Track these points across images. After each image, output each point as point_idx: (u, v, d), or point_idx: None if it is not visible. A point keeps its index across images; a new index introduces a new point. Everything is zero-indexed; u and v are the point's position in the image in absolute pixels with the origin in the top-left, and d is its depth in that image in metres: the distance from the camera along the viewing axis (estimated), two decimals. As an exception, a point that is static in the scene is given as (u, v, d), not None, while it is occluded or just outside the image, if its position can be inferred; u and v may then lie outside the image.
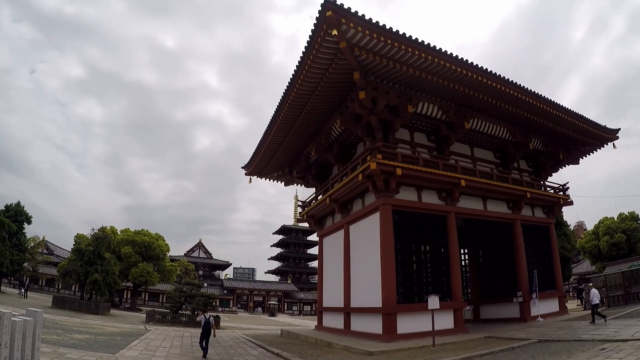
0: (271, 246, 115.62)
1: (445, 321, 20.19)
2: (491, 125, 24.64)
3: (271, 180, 31.81)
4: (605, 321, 19.05)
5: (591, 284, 23.09)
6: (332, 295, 25.78)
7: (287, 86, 19.93)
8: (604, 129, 26.86)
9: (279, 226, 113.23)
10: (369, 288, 20.63)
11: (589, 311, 30.13)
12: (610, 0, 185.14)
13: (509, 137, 25.90)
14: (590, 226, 62.69)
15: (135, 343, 18.66)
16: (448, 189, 22.32)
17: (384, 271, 19.40)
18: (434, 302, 17.39)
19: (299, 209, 29.91)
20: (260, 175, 30.71)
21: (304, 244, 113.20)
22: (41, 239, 60.15)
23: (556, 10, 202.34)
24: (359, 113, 20.68)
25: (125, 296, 66.50)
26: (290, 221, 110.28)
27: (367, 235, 21.62)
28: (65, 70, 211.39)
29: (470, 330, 20.98)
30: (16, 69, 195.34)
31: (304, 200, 29.64)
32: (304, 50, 17.64)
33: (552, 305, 26.39)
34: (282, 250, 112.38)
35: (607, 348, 12.83)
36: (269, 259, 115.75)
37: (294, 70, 18.81)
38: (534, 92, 21.50)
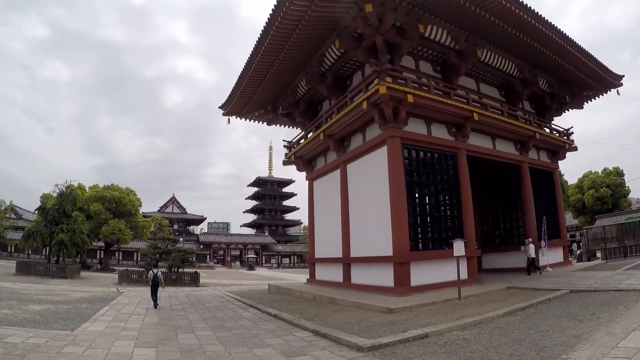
0: (246, 199, 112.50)
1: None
2: (500, 58, 21.28)
3: (252, 121, 27.59)
4: (540, 273, 20.30)
5: (530, 239, 21.31)
6: (326, 245, 22.47)
7: (274, 7, 15.96)
8: (610, 72, 24.00)
9: (253, 179, 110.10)
10: (374, 235, 17.56)
11: (590, 262, 28.61)
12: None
13: (516, 74, 22.75)
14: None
15: (104, 311, 14.90)
16: (459, 123, 19.16)
17: (394, 214, 16.21)
18: (459, 247, 14.39)
19: (285, 150, 26.06)
20: (240, 114, 26.58)
21: (279, 196, 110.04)
22: (8, 204, 55.47)
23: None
24: (362, 32, 17.04)
25: (98, 256, 61.80)
26: (264, 174, 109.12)
27: (370, 174, 18.35)
28: (29, 31, 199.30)
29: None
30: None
31: (289, 140, 25.72)
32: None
33: (557, 255, 24.16)
34: (257, 203, 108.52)
35: (660, 299, 11.24)
36: (244, 212, 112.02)
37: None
38: (550, 22, 18.15)
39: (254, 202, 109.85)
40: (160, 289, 16.99)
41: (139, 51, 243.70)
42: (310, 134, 23.00)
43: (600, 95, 27.45)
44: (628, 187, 50.09)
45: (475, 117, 18.82)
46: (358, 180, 19.58)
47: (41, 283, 26.00)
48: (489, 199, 25.75)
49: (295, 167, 25.97)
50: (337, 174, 21.25)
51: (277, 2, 15.76)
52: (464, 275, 17.54)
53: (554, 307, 12.08)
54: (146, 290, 24.43)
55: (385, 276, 16.57)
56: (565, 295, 13.70)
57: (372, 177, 18.14)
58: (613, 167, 50.49)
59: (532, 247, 20.86)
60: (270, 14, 16.53)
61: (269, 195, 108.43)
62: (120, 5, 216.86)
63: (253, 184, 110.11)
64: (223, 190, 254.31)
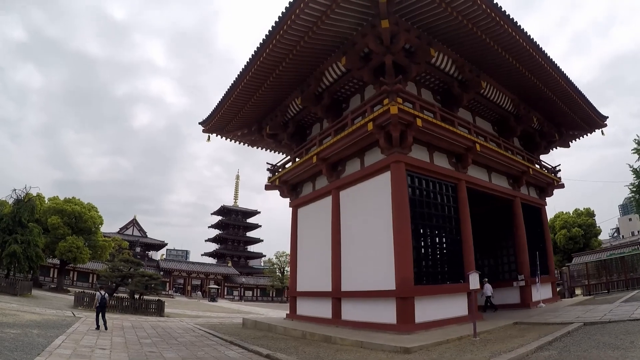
0: (209, 227, 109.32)
1: (459, 307, 16.44)
2: (499, 93, 21.17)
3: (233, 141, 26.18)
4: (495, 311, 20.42)
5: (486, 279, 21.72)
6: (311, 278, 20.84)
7: (281, 14, 14.85)
8: (597, 113, 24.39)
9: (216, 208, 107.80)
10: (372, 267, 16.33)
11: (575, 298, 28.30)
12: (555, 20, 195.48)
13: (512, 109, 22.70)
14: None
15: (59, 342, 12.56)
16: (460, 153, 18.45)
17: (398, 245, 14.99)
18: (474, 280, 13.47)
19: (269, 174, 24.36)
20: (222, 133, 25.09)
21: (243, 227, 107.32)
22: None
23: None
24: (371, 51, 16.36)
25: (51, 275, 57.11)
26: (227, 203, 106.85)
27: (369, 202, 17.22)
28: (7, 32, 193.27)
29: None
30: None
31: (273, 164, 24.32)
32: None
33: (547, 291, 23.49)
34: (220, 232, 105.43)
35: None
36: (206, 240, 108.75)
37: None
38: (551, 57, 18.15)
39: (217, 231, 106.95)
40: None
41: (113, 67, 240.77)
42: (297, 158, 21.78)
43: (585, 135, 27.86)
44: (599, 227, 50.91)
45: (478, 148, 18.19)
46: (353, 208, 18.29)
47: (-14, 298, 23.41)
48: (477, 233, 24.99)
49: (278, 192, 24.34)
50: (327, 201, 19.90)
51: (283, 12, 14.75)
52: (464, 311, 16.61)
53: (581, 339, 11.32)
54: (107, 318, 22.29)
55: (384, 312, 15.18)
56: (581, 328, 13.04)
57: (371, 205, 16.98)
58: (584, 208, 51.30)
59: (488, 286, 21.31)
60: (274, 25, 15.48)
61: (232, 225, 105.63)
62: (101, 18, 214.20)
63: (217, 213, 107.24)
64: (183, 217, 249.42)
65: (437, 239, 17.21)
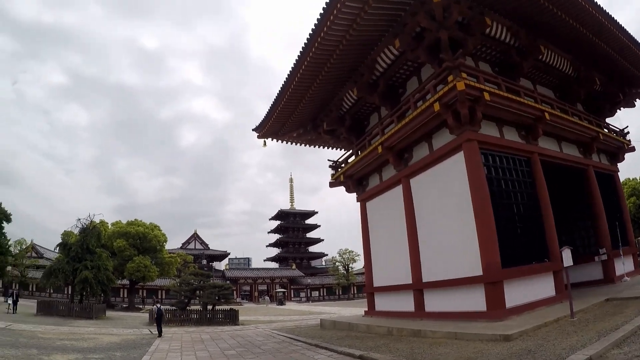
0: (268, 232, 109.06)
1: (546, 287, 15.40)
2: (557, 56, 19.63)
3: (289, 142, 25.78)
4: None
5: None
6: (388, 271, 19.97)
7: (323, 10, 14.42)
8: None
9: (272, 213, 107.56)
10: (453, 254, 15.47)
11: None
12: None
13: (572, 73, 21.05)
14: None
15: None
16: (529, 124, 17.20)
17: (480, 228, 14.07)
18: (567, 257, 12.52)
19: (331, 171, 23.84)
20: (277, 136, 24.75)
21: (303, 228, 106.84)
22: (29, 243, 53.50)
23: None
24: (423, 28, 15.59)
25: (121, 295, 59.35)
26: (284, 207, 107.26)
27: (443, 186, 16.33)
28: (47, 78, 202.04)
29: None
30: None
31: (335, 160, 23.71)
32: None
33: (629, 264, 21.57)
34: (280, 236, 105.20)
35: None
36: (267, 245, 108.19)
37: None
38: (608, 12, 16.69)
39: (277, 236, 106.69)
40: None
41: (153, 93, 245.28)
42: (359, 151, 21.04)
43: (650, 92, 25.62)
44: (672, 193, 47.02)
45: (547, 116, 16.96)
46: (426, 195, 17.38)
47: (64, 325, 23.74)
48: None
49: (344, 188, 23.66)
50: (397, 190, 19.05)
51: (327, 1, 14.24)
52: (551, 292, 15.57)
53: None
54: (183, 332, 22.47)
55: (472, 300, 14.30)
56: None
57: (446, 189, 16.09)
58: (654, 173, 47.47)
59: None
60: (319, 18, 14.99)
61: (292, 228, 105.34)
62: (134, 51, 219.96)
63: (275, 217, 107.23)
64: (240, 226, 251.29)
65: (516, 218, 15.94)
